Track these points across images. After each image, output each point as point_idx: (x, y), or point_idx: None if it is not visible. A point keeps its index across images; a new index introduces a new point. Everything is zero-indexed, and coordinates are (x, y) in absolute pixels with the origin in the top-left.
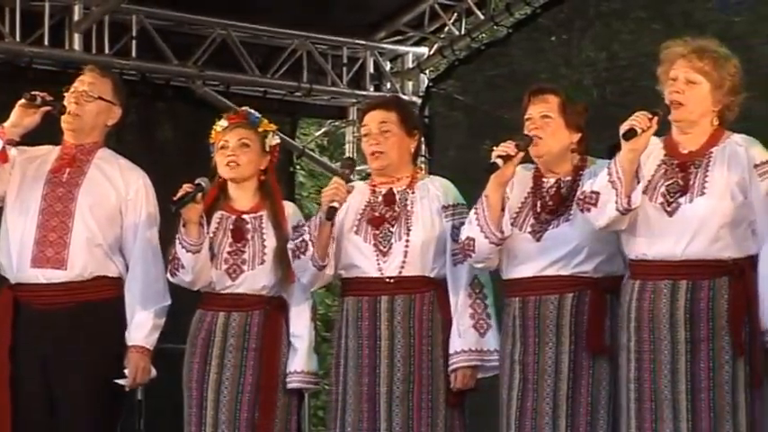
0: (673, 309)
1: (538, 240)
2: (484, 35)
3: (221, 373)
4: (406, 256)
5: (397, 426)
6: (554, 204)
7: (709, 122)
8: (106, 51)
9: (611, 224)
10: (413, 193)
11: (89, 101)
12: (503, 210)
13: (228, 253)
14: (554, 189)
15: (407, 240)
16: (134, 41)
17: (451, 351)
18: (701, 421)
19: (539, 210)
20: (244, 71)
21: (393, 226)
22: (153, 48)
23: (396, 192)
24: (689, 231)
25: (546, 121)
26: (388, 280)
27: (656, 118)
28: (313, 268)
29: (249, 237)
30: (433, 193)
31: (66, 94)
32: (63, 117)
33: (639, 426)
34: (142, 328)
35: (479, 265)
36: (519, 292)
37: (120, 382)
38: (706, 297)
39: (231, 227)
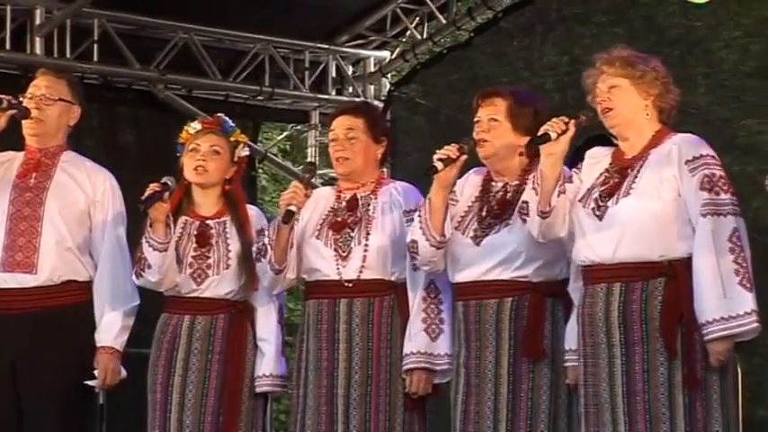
0: (607, 312)
1: (477, 245)
2: (446, 39)
3: (186, 377)
4: (364, 260)
5: (354, 428)
6: (499, 209)
7: (643, 119)
8: (68, 55)
9: (544, 231)
10: (376, 198)
11: (50, 104)
12: (446, 213)
13: (193, 258)
14: (501, 193)
15: (366, 244)
16: (96, 45)
17: (404, 353)
18: (636, 424)
19: (484, 214)
20: (206, 75)
21: (353, 230)
22: (115, 51)
23: (359, 197)
24: (617, 234)
25: (493, 124)
26: (347, 284)
27: (572, 121)
28: (271, 272)
29: (213, 242)
30: (395, 197)
31: (23, 100)
32: (25, 122)
33: (587, 430)
34: (111, 328)
35: (425, 268)
36: (462, 296)
37: (90, 383)
38: (639, 299)
39: (195, 232)
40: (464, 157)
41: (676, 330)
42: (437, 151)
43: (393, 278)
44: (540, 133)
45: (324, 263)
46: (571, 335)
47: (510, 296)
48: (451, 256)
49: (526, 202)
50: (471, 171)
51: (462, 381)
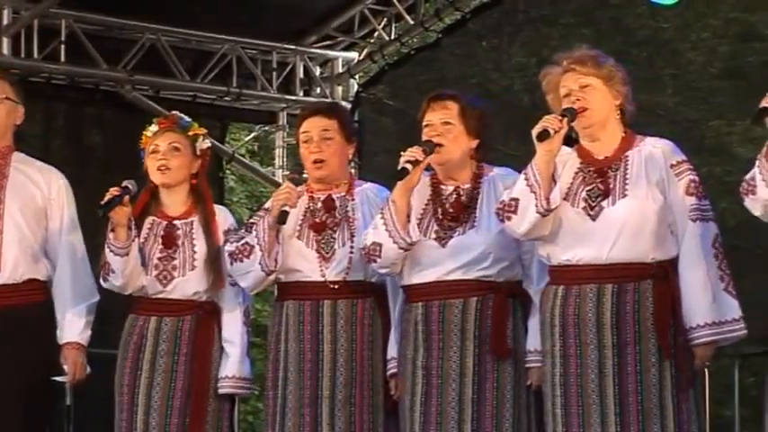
0: (599, 313)
1: (443, 247)
2: (414, 40)
3: (152, 378)
4: (350, 262)
5: (339, 430)
6: (455, 212)
7: (615, 120)
8: (35, 56)
9: (532, 229)
10: (353, 199)
11: None
12: (409, 215)
13: (159, 259)
14: (454, 197)
15: (351, 246)
16: (63, 46)
17: (389, 357)
18: (629, 425)
19: (440, 217)
20: (173, 76)
21: (335, 232)
22: (82, 52)
23: (335, 198)
24: (612, 234)
25: (447, 128)
26: (331, 285)
27: (565, 119)
28: (261, 273)
29: (179, 243)
30: (372, 198)
31: None
32: None
33: (567, 431)
34: (75, 324)
35: (383, 271)
36: (422, 296)
37: (60, 379)
38: (632, 300)
39: (162, 233)
40: (428, 158)
41: (668, 331)
42: (402, 153)
43: (374, 280)
44: (539, 130)
45: (306, 264)
46: (534, 336)
47: (475, 296)
48: (411, 256)
49: (515, 200)
50: None
51: (421, 382)
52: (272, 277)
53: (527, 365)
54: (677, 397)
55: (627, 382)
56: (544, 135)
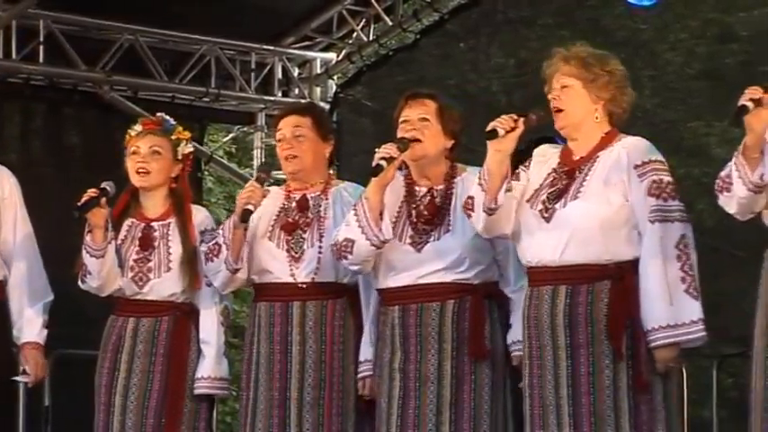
0: (553, 314)
1: (419, 252)
2: (392, 41)
3: (129, 379)
4: (319, 262)
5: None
6: (430, 215)
7: (593, 121)
8: (13, 56)
9: (487, 227)
10: (326, 199)
11: None
12: (382, 213)
13: (135, 261)
14: (428, 198)
15: (320, 247)
16: (42, 46)
17: (361, 358)
18: (582, 426)
19: (414, 220)
20: (152, 76)
21: (305, 232)
22: (61, 53)
23: (309, 198)
24: (564, 236)
25: (425, 124)
26: (300, 285)
27: (521, 119)
28: (227, 272)
29: (156, 244)
30: (346, 198)
31: None
32: None
33: (531, 431)
34: (34, 324)
35: (354, 268)
36: (399, 300)
37: (21, 379)
38: (584, 302)
39: (139, 234)
40: (403, 156)
41: (622, 333)
42: (377, 150)
43: (345, 281)
44: (488, 129)
45: (276, 264)
46: (517, 327)
47: (452, 298)
48: (385, 260)
49: (472, 198)
50: None
51: (398, 385)
52: (240, 275)
53: (513, 354)
54: (634, 399)
55: (580, 384)
56: (491, 135)
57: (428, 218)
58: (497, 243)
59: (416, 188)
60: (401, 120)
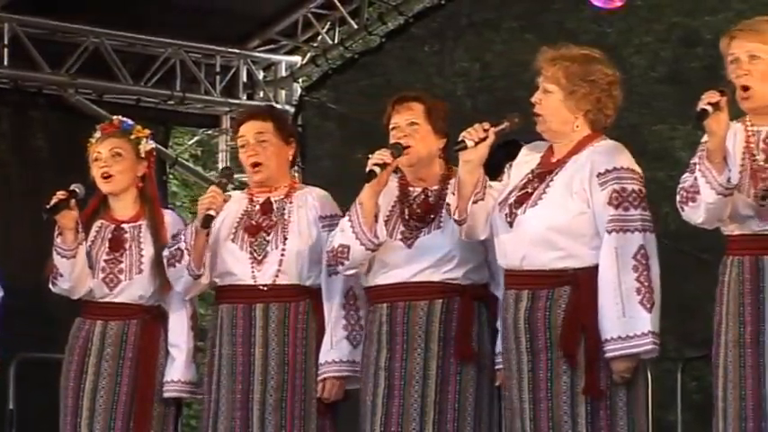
0: (515, 318)
1: (409, 247)
2: (357, 44)
3: (97, 382)
4: (281, 265)
5: None
6: (423, 212)
7: (571, 130)
8: None
9: (466, 233)
10: (290, 202)
11: None
12: (376, 217)
13: (105, 262)
14: (421, 198)
15: (283, 249)
16: (6, 49)
17: (322, 361)
18: (541, 430)
19: (407, 217)
20: (117, 79)
21: (269, 234)
22: (25, 56)
23: (273, 201)
24: (523, 242)
25: (414, 128)
26: (262, 288)
27: (492, 129)
28: (189, 277)
29: (127, 246)
30: (311, 203)
31: None
32: None
33: None
34: None
35: (351, 272)
36: (387, 298)
37: None
38: (543, 307)
39: (109, 236)
40: (396, 162)
41: (578, 339)
42: (370, 156)
43: (308, 283)
44: (458, 140)
45: (239, 267)
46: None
47: (440, 298)
48: (377, 258)
49: (448, 204)
50: None
51: (383, 383)
52: (202, 281)
53: (496, 367)
54: (592, 404)
55: (539, 389)
56: (460, 146)
57: (421, 215)
58: (489, 244)
59: (411, 189)
60: (390, 126)
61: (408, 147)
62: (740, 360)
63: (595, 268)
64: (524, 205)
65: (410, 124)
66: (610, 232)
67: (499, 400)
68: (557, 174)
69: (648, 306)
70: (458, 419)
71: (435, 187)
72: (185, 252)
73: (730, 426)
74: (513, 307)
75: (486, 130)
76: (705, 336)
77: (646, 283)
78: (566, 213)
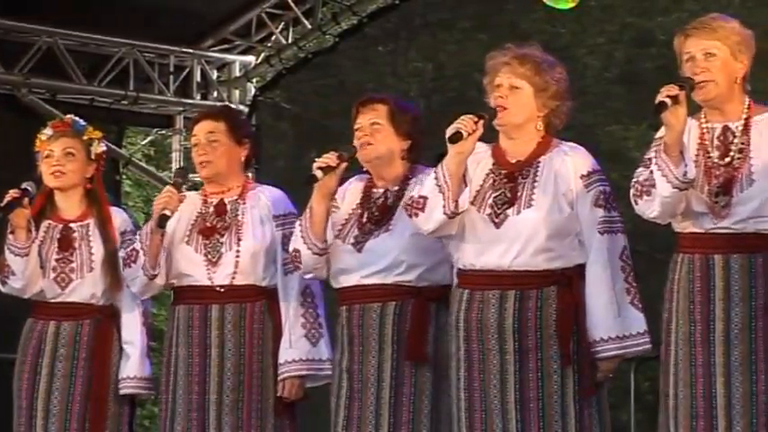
0: (501, 319)
1: (359, 251)
2: (311, 44)
3: (51, 383)
4: (236, 266)
5: None
6: (380, 214)
7: (534, 128)
8: None
9: (438, 229)
10: (244, 203)
11: None
12: (327, 220)
13: (56, 261)
14: (381, 199)
15: (238, 250)
16: None
17: (281, 360)
18: (530, 430)
19: (364, 220)
20: (70, 79)
21: (223, 236)
22: None
23: (227, 202)
24: (516, 243)
25: (376, 128)
26: (218, 289)
27: (481, 121)
28: (144, 277)
29: (76, 245)
30: (264, 202)
31: None
32: None
33: None
34: None
35: (308, 276)
36: (345, 300)
37: None
38: (534, 307)
39: (58, 236)
40: (344, 164)
41: (570, 337)
42: (316, 159)
43: (264, 284)
44: (452, 132)
45: (194, 268)
46: None
47: (393, 300)
48: (334, 262)
49: (424, 198)
50: (354, 177)
51: (345, 386)
52: (157, 281)
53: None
54: (579, 403)
55: (528, 389)
56: (456, 137)
57: (377, 218)
58: (448, 244)
59: (374, 190)
60: (355, 127)
61: (365, 144)
62: (691, 358)
63: (579, 268)
64: (516, 206)
65: (372, 124)
66: (602, 233)
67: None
68: (535, 175)
69: (640, 306)
70: (413, 422)
71: (395, 188)
72: (141, 252)
73: (681, 424)
74: (498, 307)
75: (475, 123)
76: (659, 336)
77: (633, 284)
78: (559, 215)
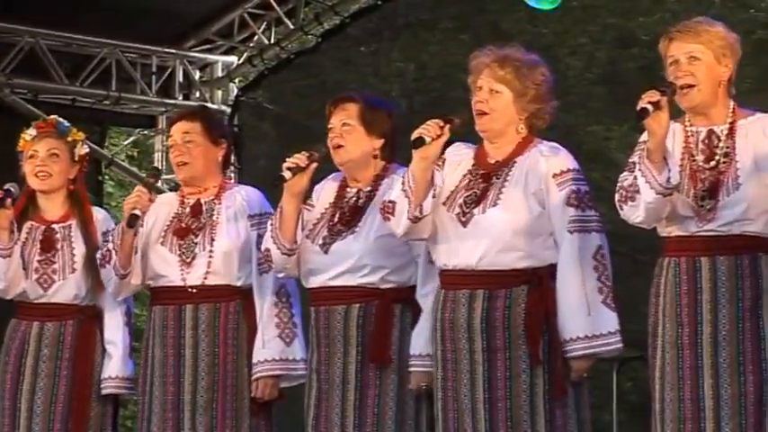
0: (470, 318)
1: (326, 253)
2: (293, 45)
3: (35, 383)
4: (209, 266)
5: None
6: (350, 215)
7: (515, 131)
8: None
9: (409, 233)
10: (220, 203)
11: None
12: (298, 220)
13: (39, 262)
14: (353, 200)
15: (211, 250)
16: None
17: (255, 360)
18: (498, 430)
19: (335, 221)
20: (52, 79)
21: (197, 236)
22: None
23: (203, 202)
24: (482, 242)
25: (346, 129)
26: (191, 289)
27: (447, 126)
28: (116, 277)
29: (59, 246)
30: (239, 201)
31: None
32: None
33: None
34: None
35: (280, 275)
36: (314, 301)
37: None
38: (502, 306)
39: (40, 237)
40: (314, 165)
41: (539, 337)
42: (286, 160)
43: (239, 283)
44: (414, 137)
45: (169, 269)
46: (417, 340)
47: (357, 302)
48: (303, 262)
49: (393, 202)
50: (329, 177)
51: (315, 386)
52: (132, 281)
53: (409, 369)
54: (550, 403)
55: (497, 389)
56: (419, 142)
57: (348, 219)
58: (415, 245)
59: (347, 190)
60: (328, 127)
61: (337, 146)
62: (678, 361)
63: (551, 267)
64: (482, 205)
65: (343, 125)
66: (572, 232)
67: (428, 402)
68: (507, 174)
69: (612, 305)
70: (377, 424)
71: (368, 188)
72: (113, 252)
73: (668, 427)
74: (467, 306)
75: (441, 128)
76: (641, 336)
77: (607, 283)
78: (528, 214)
